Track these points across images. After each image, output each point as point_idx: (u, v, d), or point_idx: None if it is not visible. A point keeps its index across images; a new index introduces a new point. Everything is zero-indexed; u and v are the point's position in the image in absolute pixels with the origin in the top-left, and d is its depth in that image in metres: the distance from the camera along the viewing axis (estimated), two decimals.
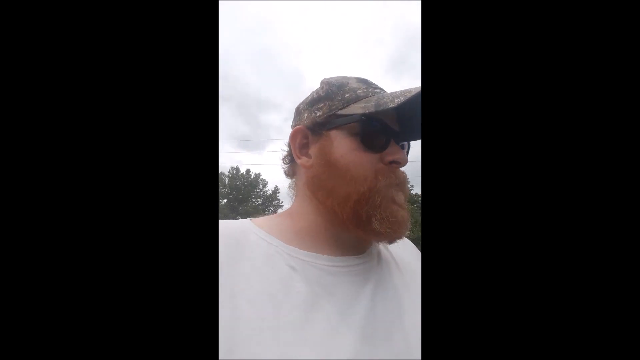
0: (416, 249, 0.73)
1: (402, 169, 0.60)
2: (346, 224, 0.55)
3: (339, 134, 0.57)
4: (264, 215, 0.68)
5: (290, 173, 0.66)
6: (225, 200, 30.12)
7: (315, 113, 0.60)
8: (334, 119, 0.58)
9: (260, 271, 0.52)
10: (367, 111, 0.55)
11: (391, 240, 0.57)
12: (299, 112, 0.65)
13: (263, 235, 0.57)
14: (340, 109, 0.58)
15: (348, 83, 0.61)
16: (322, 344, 0.47)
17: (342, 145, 0.56)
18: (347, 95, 0.59)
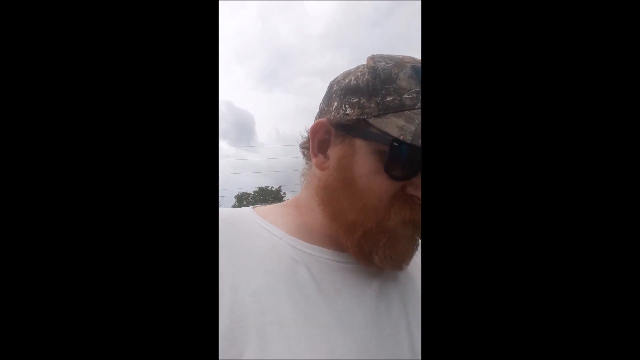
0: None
1: None
2: (347, 249, 0.51)
3: (364, 147, 0.48)
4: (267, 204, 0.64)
5: (307, 154, 0.57)
6: None
7: (345, 109, 0.50)
8: (364, 126, 0.48)
9: (262, 263, 0.49)
10: (402, 137, 0.45)
11: (398, 270, 0.53)
12: (330, 93, 0.54)
13: (265, 225, 0.53)
14: (375, 117, 0.47)
15: (398, 77, 0.48)
16: (325, 341, 0.45)
17: (364, 164, 0.48)
18: (388, 99, 0.47)
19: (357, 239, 0.49)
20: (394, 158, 0.46)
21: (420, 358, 0.49)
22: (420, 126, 0.45)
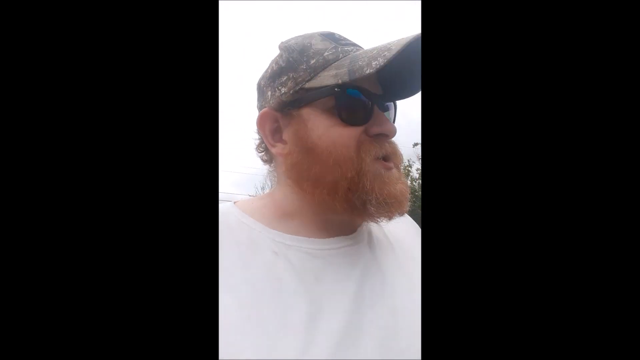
0: (414, 223, 0.68)
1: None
2: (340, 212, 0.50)
3: (312, 112, 0.50)
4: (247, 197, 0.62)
5: (268, 159, 0.59)
6: None
7: (280, 90, 0.51)
8: (303, 94, 0.50)
9: (241, 258, 0.48)
10: (340, 80, 0.47)
11: (391, 218, 0.52)
12: (261, 89, 0.56)
13: (246, 220, 0.53)
14: (308, 81, 0.49)
15: (311, 44, 0.51)
16: (305, 332, 0.44)
17: (318, 125, 0.49)
18: (312, 62, 0.50)
19: (344, 195, 0.49)
20: (342, 103, 0.48)
21: (405, 342, 0.48)
22: (354, 65, 0.47)
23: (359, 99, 0.49)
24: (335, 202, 0.49)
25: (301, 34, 0.55)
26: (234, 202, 0.57)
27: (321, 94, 0.49)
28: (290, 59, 0.51)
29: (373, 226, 0.59)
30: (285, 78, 0.51)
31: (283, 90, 0.51)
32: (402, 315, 0.50)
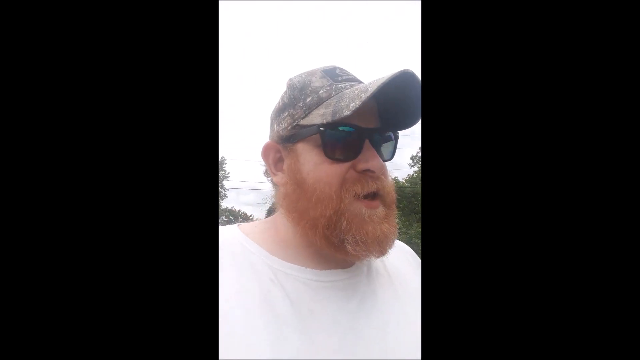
0: (415, 256, 0.68)
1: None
2: (320, 247, 0.51)
3: (305, 147, 0.52)
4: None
5: (273, 184, 0.60)
6: None
7: (281, 125, 0.55)
8: (298, 130, 0.53)
9: (239, 282, 0.49)
10: (325, 120, 0.49)
11: (377, 257, 0.52)
12: (271, 121, 0.59)
13: (247, 244, 0.54)
14: (303, 118, 0.52)
15: (311, 82, 0.54)
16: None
17: (309, 160, 0.52)
18: (308, 100, 0.52)
19: (321, 232, 0.50)
20: (327, 141, 0.50)
21: None
22: (338, 105, 0.49)
23: (344, 136, 0.50)
24: (315, 237, 0.51)
25: (306, 70, 0.58)
26: (238, 225, 0.59)
27: (310, 132, 0.51)
28: (292, 96, 0.55)
29: (373, 260, 0.59)
30: (285, 114, 0.55)
31: (283, 125, 0.54)
32: (396, 354, 0.50)
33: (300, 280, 0.51)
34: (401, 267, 0.63)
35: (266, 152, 0.57)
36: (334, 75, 0.55)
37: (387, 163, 0.55)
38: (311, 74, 0.56)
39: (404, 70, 0.47)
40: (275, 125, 0.56)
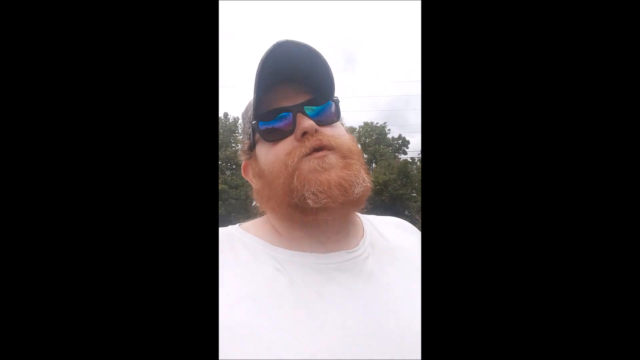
0: (415, 229, 0.70)
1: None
2: (294, 218, 0.55)
3: (259, 148, 0.60)
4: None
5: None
6: None
7: (244, 145, 0.64)
8: (247, 139, 0.62)
9: (244, 275, 0.51)
10: (249, 112, 0.58)
11: (353, 207, 0.55)
12: (241, 152, 0.67)
13: (248, 239, 0.57)
14: (249, 127, 0.61)
15: (253, 94, 0.58)
16: (307, 344, 0.45)
17: (262, 155, 0.59)
18: (249, 113, 0.60)
19: (283, 200, 0.54)
20: (263, 133, 0.57)
21: (410, 356, 0.47)
22: (255, 100, 0.56)
23: (276, 121, 0.56)
24: (282, 209, 0.55)
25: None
26: (239, 225, 0.62)
27: (250, 134, 0.60)
28: (244, 116, 0.63)
29: (376, 238, 0.62)
30: (243, 135, 0.64)
31: (245, 139, 0.63)
32: (406, 330, 0.50)
33: (306, 265, 0.53)
34: (404, 243, 0.65)
35: (244, 170, 0.65)
36: (257, 79, 0.56)
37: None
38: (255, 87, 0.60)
39: (275, 44, 0.52)
40: (240, 152, 0.65)
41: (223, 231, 0.59)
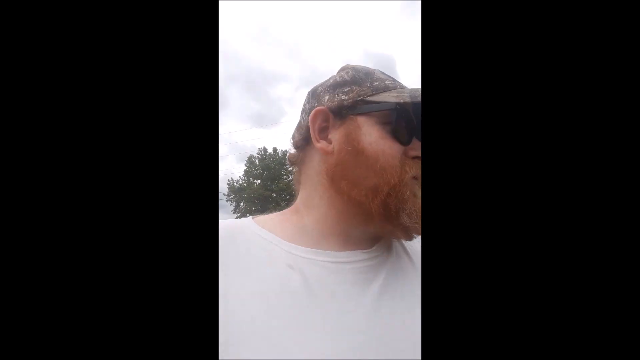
0: None
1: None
2: (373, 217, 0.52)
3: (367, 121, 0.55)
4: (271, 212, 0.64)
5: (298, 160, 0.62)
6: (259, 181, 30.42)
7: (341, 96, 0.57)
8: (363, 104, 0.56)
9: (255, 271, 0.50)
10: (402, 100, 0.53)
11: (413, 235, 0.53)
12: (316, 94, 0.61)
13: (262, 234, 0.55)
14: (370, 96, 0.55)
15: (374, 72, 0.59)
16: (317, 346, 0.45)
17: (370, 133, 0.54)
18: (375, 84, 0.56)
19: (383, 199, 0.51)
20: (398, 122, 0.53)
21: None
22: (412, 93, 0.53)
23: (408, 122, 0.54)
24: (371, 204, 0.52)
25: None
26: (252, 218, 0.60)
27: (382, 107, 0.54)
28: (356, 77, 0.58)
29: (393, 241, 0.61)
30: (348, 89, 0.57)
31: (345, 97, 0.56)
32: (418, 334, 0.48)
33: (319, 263, 0.52)
34: (419, 246, 0.62)
35: (315, 117, 0.57)
36: (392, 77, 0.59)
37: None
38: (370, 68, 0.60)
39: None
40: (327, 97, 0.58)
41: (237, 224, 0.57)
